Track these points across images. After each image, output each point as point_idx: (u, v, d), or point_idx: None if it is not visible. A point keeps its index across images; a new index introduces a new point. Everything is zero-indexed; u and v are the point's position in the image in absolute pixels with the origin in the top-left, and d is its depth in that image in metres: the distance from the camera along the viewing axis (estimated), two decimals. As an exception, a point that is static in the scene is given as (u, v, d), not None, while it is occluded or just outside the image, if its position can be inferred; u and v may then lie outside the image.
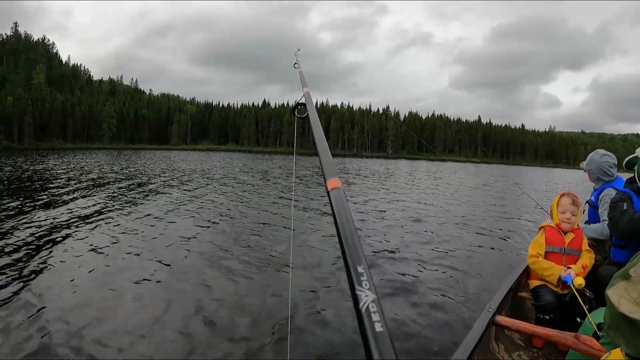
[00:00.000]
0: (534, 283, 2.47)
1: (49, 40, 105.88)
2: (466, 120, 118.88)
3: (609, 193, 2.60)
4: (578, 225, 2.42)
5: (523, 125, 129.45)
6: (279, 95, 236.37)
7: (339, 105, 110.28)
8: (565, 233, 2.39)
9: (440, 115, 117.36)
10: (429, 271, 4.60)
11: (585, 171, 2.94)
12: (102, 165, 23.08)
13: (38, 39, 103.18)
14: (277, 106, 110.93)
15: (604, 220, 2.63)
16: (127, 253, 4.79)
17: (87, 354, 2.55)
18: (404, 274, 4.45)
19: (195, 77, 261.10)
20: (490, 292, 2.35)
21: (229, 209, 8.30)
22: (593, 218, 2.82)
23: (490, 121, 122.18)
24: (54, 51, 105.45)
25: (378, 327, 0.30)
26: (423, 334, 3.09)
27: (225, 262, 4.56)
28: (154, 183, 13.49)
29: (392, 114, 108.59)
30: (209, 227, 6.46)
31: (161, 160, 31.02)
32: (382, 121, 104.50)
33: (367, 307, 0.32)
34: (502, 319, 1.94)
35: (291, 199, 10.00)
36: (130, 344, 2.70)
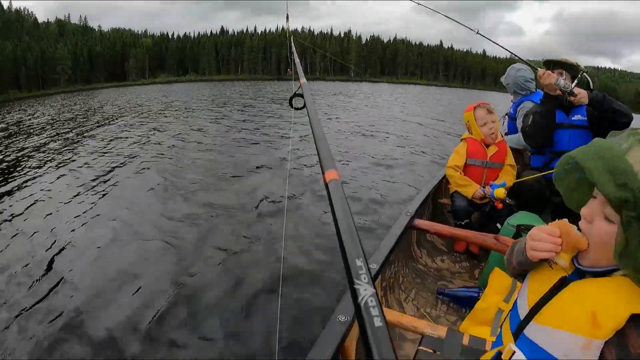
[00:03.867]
0: (453, 188, 2.44)
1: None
2: (428, 45, 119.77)
3: (527, 105, 2.66)
4: (502, 136, 2.39)
5: (485, 52, 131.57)
6: (237, 21, 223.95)
7: (299, 29, 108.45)
8: (487, 146, 2.33)
9: (402, 39, 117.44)
10: (363, 177, 4.89)
11: (504, 85, 3.00)
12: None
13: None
14: (236, 33, 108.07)
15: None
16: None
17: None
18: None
19: (146, 9, 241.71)
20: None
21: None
22: (512, 130, 2.92)
23: (452, 46, 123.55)
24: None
25: (377, 322, 0.30)
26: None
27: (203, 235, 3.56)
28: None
29: (354, 38, 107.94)
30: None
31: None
32: (343, 45, 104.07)
33: (366, 301, 0.32)
34: (420, 222, 1.95)
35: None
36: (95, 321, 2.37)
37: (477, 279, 2.12)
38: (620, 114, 2.00)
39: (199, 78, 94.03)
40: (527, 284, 0.81)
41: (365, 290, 0.33)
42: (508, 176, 2.29)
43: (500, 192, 2.16)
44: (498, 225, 2.13)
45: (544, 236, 0.72)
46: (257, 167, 5.80)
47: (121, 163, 6.46)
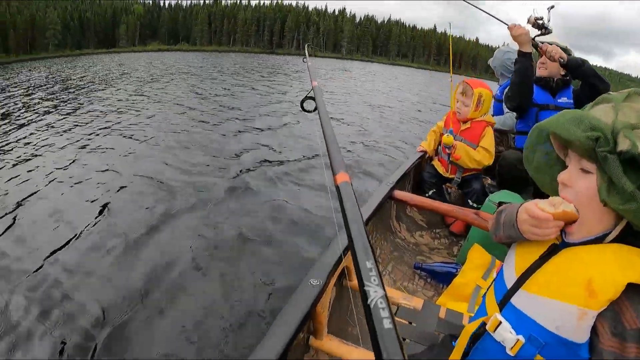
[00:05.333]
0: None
1: None
2: (422, 28, 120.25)
3: None
4: (483, 118, 2.30)
5: (477, 39, 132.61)
6: None
7: (294, 4, 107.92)
8: (464, 122, 2.33)
9: (397, 20, 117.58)
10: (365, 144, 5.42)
11: (492, 67, 2.98)
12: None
13: None
14: (229, 4, 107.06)
15: (506, 112, 2.67)
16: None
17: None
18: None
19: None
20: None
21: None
22: (498, 111, 2.91)
23: (445, 31, 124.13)
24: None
25: (387, 324, 0.30)
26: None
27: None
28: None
29: (348, 16, 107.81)
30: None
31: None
32: (338, 22, 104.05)
33: (376, 303, 0.32)
34: (400, 193, 1.90)
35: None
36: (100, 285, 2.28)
37: (456, 256, 2.10)
38: (599, 79, 2.05)
39: (190, 48, 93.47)
40: (514, 251, 0.78)
41: (376, 292, 0.33)
42: (477, 153, 2.25)
43: (444, 138, 2.29)
44: (469, 201, 2.23)
45: (542, 224, 0.67)
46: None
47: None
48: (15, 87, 13.54)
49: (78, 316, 2.05)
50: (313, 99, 1.07)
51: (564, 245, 0.69)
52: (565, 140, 0.64)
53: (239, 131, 6.38)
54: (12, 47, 75.73)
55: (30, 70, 22.58)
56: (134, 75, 17.16)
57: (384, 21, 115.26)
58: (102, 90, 11.85)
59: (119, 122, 6.82)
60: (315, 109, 1.00)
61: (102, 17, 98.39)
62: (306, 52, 1.87)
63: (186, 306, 2.14)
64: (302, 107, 1.12)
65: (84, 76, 17.05)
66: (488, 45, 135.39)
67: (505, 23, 2.19)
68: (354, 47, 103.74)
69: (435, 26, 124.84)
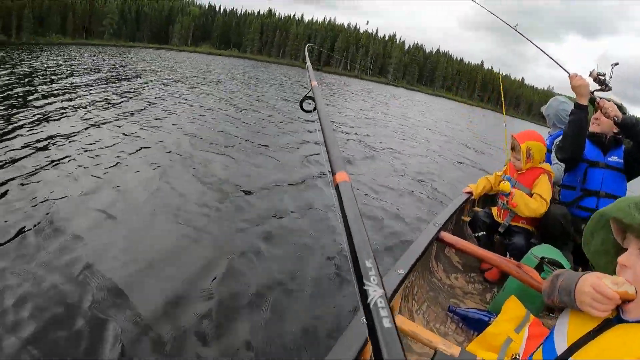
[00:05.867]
0: (478, 210, 2.63)
1: None
2: (469, 62, 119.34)
3: None
4: (541, 165, 2.35)
5: (523, 79, 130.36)
6: (283, 5, 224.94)
7: (345, 25, 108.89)
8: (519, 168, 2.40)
9: (445, 52, 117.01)
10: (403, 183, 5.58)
11: (545, 115, 3.00)
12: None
13: None
14: (282, 17, 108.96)
15: (555, 163, 2.66)
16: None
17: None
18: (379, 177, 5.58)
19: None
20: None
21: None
22: (547, 161, 2.89)
23: (491, 67, 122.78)
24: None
25: (386, 323, 0.30)
26: (375, 241, 3.29)
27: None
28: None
29: (397, 42, 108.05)
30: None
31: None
32: (387, 48, 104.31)
33: (375, 302, 0.32)
34: (446, 236, 1.92)
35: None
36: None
37: (488, 302, 2.10)
38: None
39: (240, 55, 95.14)
40: (566, 319, 0.79)
41: (375, 292, 0.33)
42: (531, 200, 2.22)
43: (501, 185, 2.29)
44: (508, 254, 2.17)
45: (606, 300, 0.70)
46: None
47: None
48: (91, 70, 15.20)
49: (146, 308, 2.16)
50: (312, 99, 1.06)
51: (618, 320, 0.71)
52: (625, 225, 0.68)
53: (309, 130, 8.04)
54: (69, 30, 78.65)
55: (92, 55, 24.68)
56: (203, 77, 19.17)
57: (432, 51, 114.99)
58: (189, 88, 13.11)
59: (237, 119, 8.44)
60: (315, 108, 0.99)
61: (158, 13, 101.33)
62: (306, 52, 1.89)
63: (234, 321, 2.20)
64: (301, 107, 1.12)
65: (156, 69, 19.31)
66: (533, 86, 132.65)
67: (567, 71, 2.20)
68: (400, 74, 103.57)
69: (482, 62, 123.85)
